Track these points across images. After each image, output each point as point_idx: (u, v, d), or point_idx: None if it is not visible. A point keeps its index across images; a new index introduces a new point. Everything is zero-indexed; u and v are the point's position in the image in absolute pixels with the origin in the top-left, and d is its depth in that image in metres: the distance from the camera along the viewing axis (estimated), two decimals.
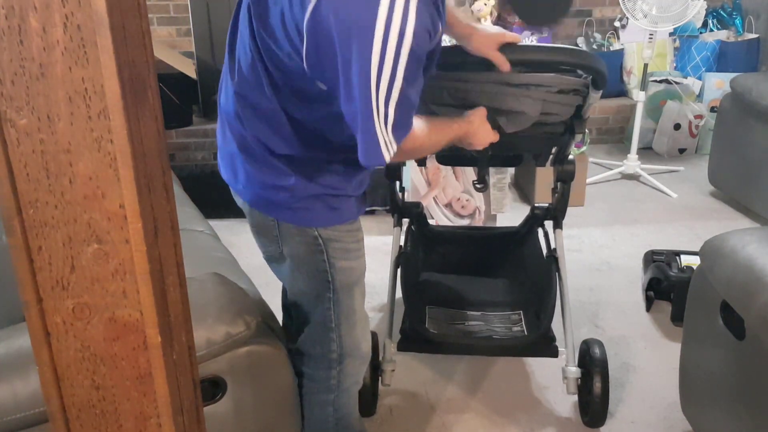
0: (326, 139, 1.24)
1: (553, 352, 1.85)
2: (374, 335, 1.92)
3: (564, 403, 1.96)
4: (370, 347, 1.48)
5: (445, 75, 1.51)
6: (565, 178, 1.97)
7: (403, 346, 1.88)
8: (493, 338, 1.89)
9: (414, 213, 2.20)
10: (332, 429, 1.50)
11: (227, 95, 1.29)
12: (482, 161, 1.74)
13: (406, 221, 2.20)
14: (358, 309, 1.41)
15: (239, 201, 1.38)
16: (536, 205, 2.19)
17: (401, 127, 1.13)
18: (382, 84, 1.05)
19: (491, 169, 1.86)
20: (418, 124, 1.21)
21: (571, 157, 1.96)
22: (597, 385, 1.80)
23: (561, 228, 2.06)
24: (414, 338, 1.88)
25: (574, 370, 1.82)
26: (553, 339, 1.85)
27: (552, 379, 2.04)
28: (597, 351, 1.83)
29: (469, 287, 2.15)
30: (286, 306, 1.58)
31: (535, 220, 2.21)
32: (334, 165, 1.28)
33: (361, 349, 1.44)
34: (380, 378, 1.88)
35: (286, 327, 1.56)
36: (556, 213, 2.06)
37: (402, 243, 2.10)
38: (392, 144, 1.12)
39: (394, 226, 2.11)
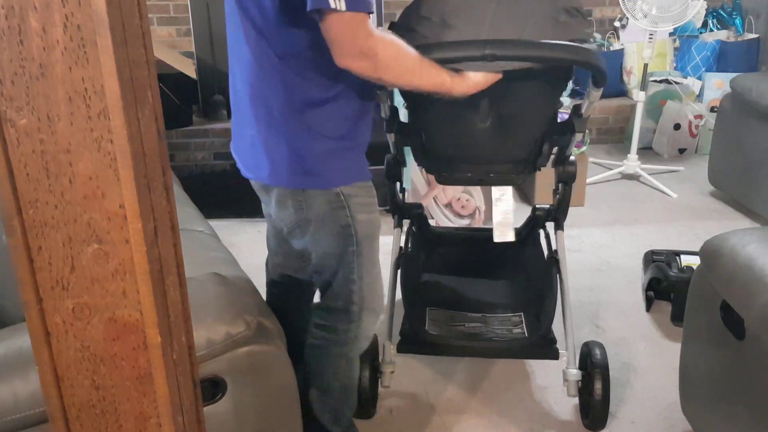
0: (323, 73, 1.31)
1: (554, 355, 1.84)
2: (374, 337, 1.92)
3: (564, 403, 1.96)
4: (384, 303, 1.58)
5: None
6: (566, 179, 1.96)
7: (403, 347, 1.88)
8: (493, 340, 1.88)
9: (414, 214, 2.19)
10: (339, 383, 1.61)
11: (235, 80, 1.39)
12: (483, 168, 1.75)
13: (406, 222, 2.19)
14: (377, 262, 1.51)
15: (259, 185, 1.48)
16: (537, 206, 2.18)
17: None
18: None
19: (494, 191, 1.84)
20: (400, 41, 1.28)
21: (572, 158, 1.95)
22: (598, 387, 1.80)
23: (562, 229, 2.05)
24: (414, 340, 1.88)
25: (574, 373, 1.82)
26: (553, 341, 1.84)
27: (552, 379, 2.04)
28: (598, 353, 1.83)
29: (470, 289, 2.15)
30: (277, 295, 1.72)
31: (536, 221, 2.20)
32: (341, 107, 1.35)
33: (377, 302, 1.54)
34: (380, 380, 1.88)
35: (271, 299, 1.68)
36: (558, 214, 2.05)
37: (402, 244, 2.10)
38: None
39: (394, 227, 2.10)
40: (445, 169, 1.86)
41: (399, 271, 2.02)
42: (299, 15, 1.21)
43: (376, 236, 1.49)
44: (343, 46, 1.20)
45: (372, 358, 1.88)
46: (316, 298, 1.63)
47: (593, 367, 1.81)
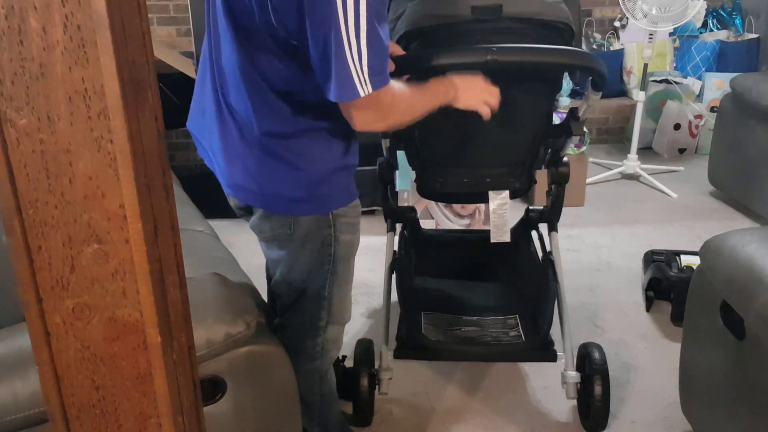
0: (310, 102, 1.28)
1: (552, 357, 1.84)
2: (370, 342, 1.92)
3: (564, 404, 1.96)
4: (350, 314, 1.56)
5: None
6: (559, 180, 1.96)
7: (400, 353, 1.87)
8: (490, 344, 1.88)
9: (407, 218, 2.19)
10: (318, 396, 1.59)
11: (219, 97, 1.34)
12: (480, 172, 1.75)
13: (399, 226, 2.19)
14: (350, 280, 1.50)
15: (241, 204, 1.42)
16: (531, 207, 2.19)
17: (376, 73, 1.14)
18: (349, 16, 1.08)
19: (490, 194, 1.83)
20: (397, 83, 1.26)
21: (565, 159, 1.95)
22: (597, 389, 1.79)
23: (556, 231, 2.04)
24: (411, 345, 1.87)
25: (573, 375, 1.81)
26: (551, 343, 1.84)
27: (552, 379, 2.04)
28: (596, 355, 1.82)
29: (464, 292, 2.14)
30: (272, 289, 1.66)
31: (529, 222, 2.20)
32: (336, 132, 1.33)
33: (345, 316, 1.52)
34: (377, 386, 1.87)
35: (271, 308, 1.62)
36: (551, 216, 2.05)
37: (396, 248, 2.10)
38: (367, 83, 1.14)
39: (387, 231, 2.10)
40: (439, 174, 1.85)
41: (393, 276, 2.01)
42: (293, 48, 1.18)
43: (353, 256, 1.47)
44: (367, 117, 1.21)
45: (369, 365, 1.87)
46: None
47: (592, 370, 1.80)
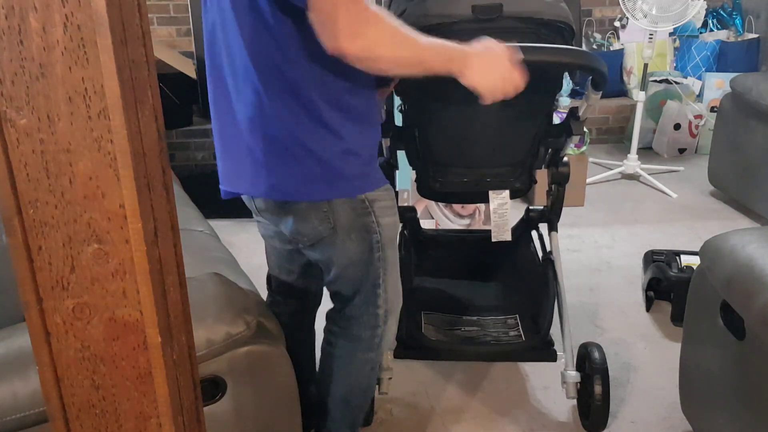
0: (347, 77, 1.24)
1: (552, 357, 1.84)
2: None
3: (564, 403, 1.96)
4: (401, 301, 1.53)
5: None
6: (559, 180, 1.96)
7: (400, 353, 1.87)
8: (490, 344, 1.88)
9: (407, 218, 2.19)
10: (364, 386, 1.58)
11: (231, 99, 1.29)
12: (480, 171, 1.75)
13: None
14: (398, 264, 1.48)
15: (270, 206, 1.37)
16: (531, 207, 2.19)
17: None
18: None
19: (491, 193, 1.84)
20: (392, 19, 1.18)
21: (565, 159, 1.95)
22: (597, 389, 1.79)
23: (556, 231, 2.04)
24: (411, 345, 1.87)
25: (573, 375, 1.81)
26: (551, 343, 1.84)
27: (552, 379, 2.04)
28: (596, 355, 1.82)
29: (464, 292, 2.15)
30: (276, 293, 1.66)
31: (529, 222, 2.20)
32: (365, 111, 1.31)
33: (399, 303, 1.51)
34: (377, 386, 1.86)
35: (273, 306, 1.62)
36: (551, 216, 2.05)
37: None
38: None
39: None
40: (440, 174, 1.84)
41: None
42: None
43: (396, 238, 1.47)
44: (337, 24, 1.09)
45: None
46: (327, 307, 1.57)
47: (592, 370, 1.80)
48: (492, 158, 1.80)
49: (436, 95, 1.68)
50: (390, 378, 1.85)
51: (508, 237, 1.91)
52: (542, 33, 1.53)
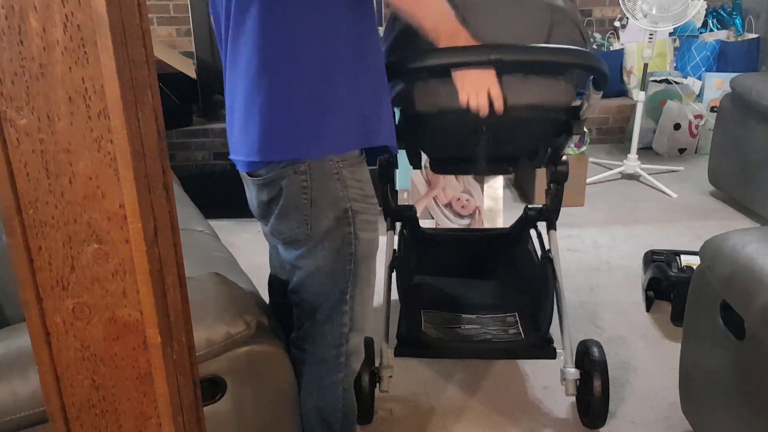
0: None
1: (551, 354, 1.84)
2: (370, 341, 1.92)
3: (564, 402, 1.96)
4: (370, 322, 1.49)
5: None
6: (558, 179, 1.97)
7: (401, 351, 1.87)
8: (491, 341, 1.88)
9: (406, 216, 2.19)
10: (340, 413, 1.51)
11: (235, 66, 1.29)
12: (478, 166, 1.74)
13: (399, 225, 2.19)
14: (372, 282, 1.44)
15: (271, 191, 1.34)
16: (529, 206, 2.19)
17: None
18: None
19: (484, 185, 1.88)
20: None
21: (564, 158, 1.96)
22: (597, 385, 1.79)
23: (555, 229, 2.05)
24: (411, 343, 1.87)
25: (572, 372, 1.81)
26: (550, 341, 1.84)
27: (551, 378, 2.04)
28: (596, 352, 1.82)
29: (463, 290, 2.15)
30: (277, 293, 1.62)
31: (527, 221, 2.20)
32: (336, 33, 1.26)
33: (365, 323, 1.46)
34: (378, 384, 1.87)
35: (276, 310, 1.58)
36: (550, 214, 2.05)
37: (396, 247, 2.10)
38: None
39: (387, 230, 2.10)
40: (440, 170, 1.88)
41: (394, 275, 2.01)
42: None
43: (374, 255, 1.42)
44: None
45: (369, 362, 1.88)
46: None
47: (591, 366, 1.81)
48: (492, 156, 1.81)
49: (434, 109, 1.69)
50: (390, 376, 1.86)
51: (500, 223, 1.94)
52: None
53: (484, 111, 1.45)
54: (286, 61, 1.22)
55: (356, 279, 1.38)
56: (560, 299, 1.91)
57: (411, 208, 2.21)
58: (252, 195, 1.40)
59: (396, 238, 2.13)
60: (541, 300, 1.93)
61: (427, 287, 2.17)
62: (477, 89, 1.44)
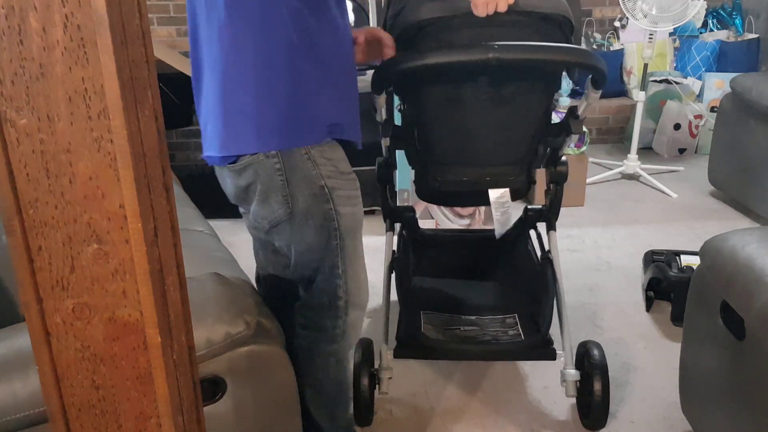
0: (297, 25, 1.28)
1: (551, 355, 1.84)
2: (370, 342, 1.92)
3: (564, 403, 1.96)
4: (368, 296, 1.55)
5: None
6: (558, 179, 1.96)
7: (400, 353, 1.87)
8: (490, 343, 1.88)
9: (405, 217, 2.18)
10: (333, 379, 1.58)
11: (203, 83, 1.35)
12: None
13: (397, 227, 2.18)
14: (361, 255, 1.50)
15: (246, 177, 1.38)
16: (529, 207, 2.18)
17: None
18: None
19: (490, 191, 1.86)
20: None
21: (563, 158, 1.95)
22: (597, 387, 1.79)
23: (554, 230, 2.04)
24: (410, 345, 1.87)
25: (572, 373, 1.81)
26: (550, 342, 1.84)
27: (551, 378, 2.04)
28: (596, 353, 1.82)
29: (462, 291, 2.15)
30: (265, 288, 1.67)
31: (527, 221, 2.19)
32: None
33: (363, 296, 1.52)
34: (377, 386, 1.86)
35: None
36: (550, 215, 2.04)
37: (395, 248, 2.10)
38: None
39: (386, 231, 2.10)
40: (439, 172, 1.83)
41: (393, 276, 2.01)
42: None
43: (359, 229, 1.48)
44: None
45: (369, 364, 1.87)
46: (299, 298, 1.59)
47: (591, 368, 1.80)
48: (491, 156, 1.80)
49: (435, 94, 1.68)
50: (390, 378, 1.85)
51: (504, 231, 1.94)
52: (542, 27, 1.53)
53: (492, 7, 1.43)
54: (244, 62, 1.27)
55: (344, 253, 1.43)
56: (560, 300, 1.90)
57: (410, 209, 2.21)
58: (228, 182, 1.44)
59: (395, 239, 2.12)
60: (540, 301, 1.92)
61: (426, 288, 2.17)
62: None
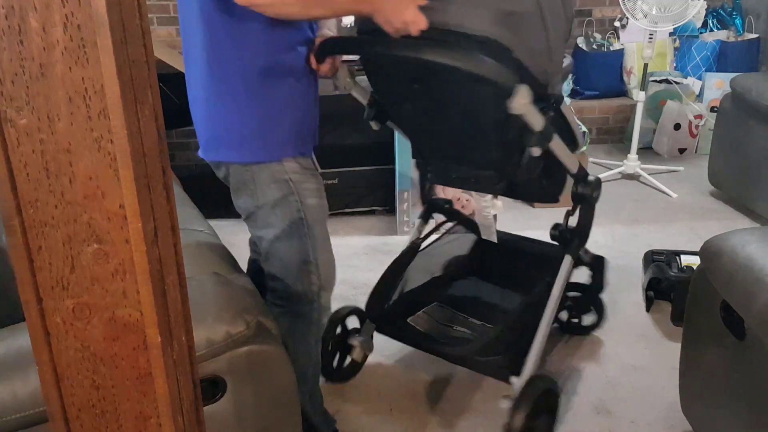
0: (265, 40, 1.41)
1: (503, 377, 1.77)
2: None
3: (564, 402, 1.96)
4: (335, 279, 1.66)
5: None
6: (576, 200, 1.84)
7: (379, 327, 1.95)
8: (442, 343, 1.88)
9: (447, 210, 2.15)
10: (314, 362, 1.70)
11: (192, 79, 1.49)
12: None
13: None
14: (329, 243, 1.60)
15: (221, 172, 1.57)
16: (559, 224, 1.94)
17: None
18: None
19: (475, 195, 1.85)
20: None
21: (590, 178, 1.82)
22: (541, 427, 1.73)
23: (571, 255, 1.87)
24: (381, 320, 1.94)
25: (505, 403, 1.71)
26: (506, 366, 1.77)
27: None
28: (545, 388, 1.74)
29: (486, 295, 2.15)
30: (256, 269, 1.79)
31: (557, 240, 1.97)
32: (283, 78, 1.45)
33: (332, 280, 1.63)
34: (349, 355, 1.96)
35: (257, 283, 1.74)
36: (570, 235, 1.89)
37: (420, 236, 2.09)
38: None
39: (419, 218, 2.11)
40: (426, 165, 1.86)
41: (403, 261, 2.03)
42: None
43: (325, 221, 1.58)
44: None
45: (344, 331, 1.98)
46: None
47: (541, 405, 1.73)
48: (464, 157, 1.77)
49: (394, 90, 1.70)
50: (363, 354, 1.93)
51: (494, 238, 1.95)
52: (468, 46, 1.42)
53: (403, 32, 1.41)
54: (223, 79, 1.42)
55: (314, 242, 1.54)
56: (540, 330, 1.78)
57: (447, 202, 2.19)
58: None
59: (426, 228, 2.12)
60: (522, 325, 1.84)
61: (461, 286, 2.18)
62: (400, 27, 1.40)
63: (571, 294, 2.20)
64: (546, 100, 1.55)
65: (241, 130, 1.45)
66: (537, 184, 1.79)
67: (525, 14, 1.42)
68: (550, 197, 1.87)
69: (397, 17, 1.37)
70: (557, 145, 1.64)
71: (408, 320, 1.95)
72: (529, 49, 1.45)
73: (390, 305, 1.97)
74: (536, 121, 1.52)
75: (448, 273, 2.22)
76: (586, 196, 1.85)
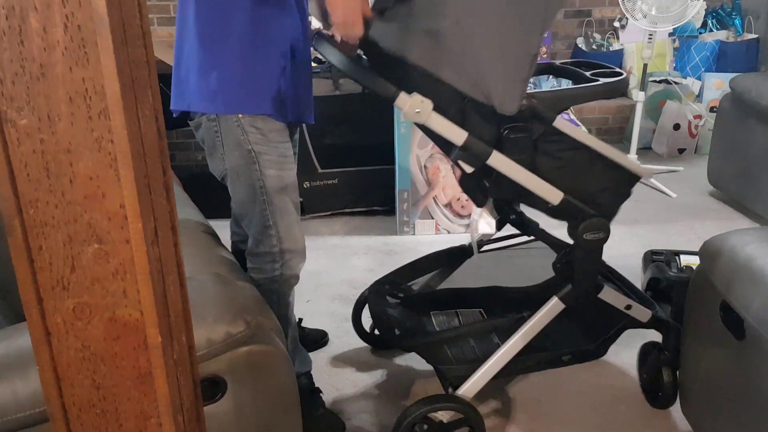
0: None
1: (444, 385, 1.79)
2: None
3: (564, 402, 1.96)
4: (304, 243, 1.76)
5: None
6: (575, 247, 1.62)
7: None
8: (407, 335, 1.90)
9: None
10: (283, 316, 1.79)
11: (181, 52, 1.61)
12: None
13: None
14: (291, 211, 1.70)
15: (199, 132, 1.68)
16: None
17: None
18: None
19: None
20: None
21: (593, 220, 1.64)
22: None
23: (566, 305, 1.68)
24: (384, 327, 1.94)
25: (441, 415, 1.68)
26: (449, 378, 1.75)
27: (552, 379, 2.04)
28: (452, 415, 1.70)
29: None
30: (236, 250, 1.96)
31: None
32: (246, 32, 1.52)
33: (298, 244, 1.74)
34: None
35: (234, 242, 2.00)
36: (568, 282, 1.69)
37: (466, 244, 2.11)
38: None
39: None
40: None
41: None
42: None
43: (287, 190, 1.67)
44: None
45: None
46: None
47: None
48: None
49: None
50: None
51: (475, 251, 2.03)
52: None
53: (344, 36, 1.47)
54: (202, 34, 1.53)
55: (273, 208, 1.66)
56: (492, 359, 1.72)
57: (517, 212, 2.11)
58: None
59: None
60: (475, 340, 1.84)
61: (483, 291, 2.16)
62: (342, 25, 1.45)
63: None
64: (510, 119, 1.44)
65: (211, 81, 1.54)
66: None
67: (442, 31, 1.36)
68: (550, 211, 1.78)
69: (337, 14, 1.43)
70: (508, 167, 1.49)
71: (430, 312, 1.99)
72: (453, 64, 1.38)
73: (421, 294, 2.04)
74: (452, 133, 1.42)
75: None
76: (578, 239, 1.64)
